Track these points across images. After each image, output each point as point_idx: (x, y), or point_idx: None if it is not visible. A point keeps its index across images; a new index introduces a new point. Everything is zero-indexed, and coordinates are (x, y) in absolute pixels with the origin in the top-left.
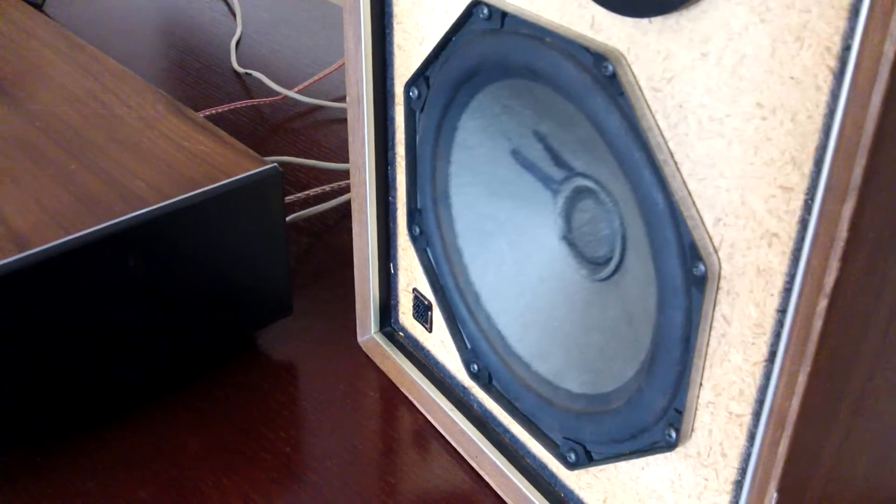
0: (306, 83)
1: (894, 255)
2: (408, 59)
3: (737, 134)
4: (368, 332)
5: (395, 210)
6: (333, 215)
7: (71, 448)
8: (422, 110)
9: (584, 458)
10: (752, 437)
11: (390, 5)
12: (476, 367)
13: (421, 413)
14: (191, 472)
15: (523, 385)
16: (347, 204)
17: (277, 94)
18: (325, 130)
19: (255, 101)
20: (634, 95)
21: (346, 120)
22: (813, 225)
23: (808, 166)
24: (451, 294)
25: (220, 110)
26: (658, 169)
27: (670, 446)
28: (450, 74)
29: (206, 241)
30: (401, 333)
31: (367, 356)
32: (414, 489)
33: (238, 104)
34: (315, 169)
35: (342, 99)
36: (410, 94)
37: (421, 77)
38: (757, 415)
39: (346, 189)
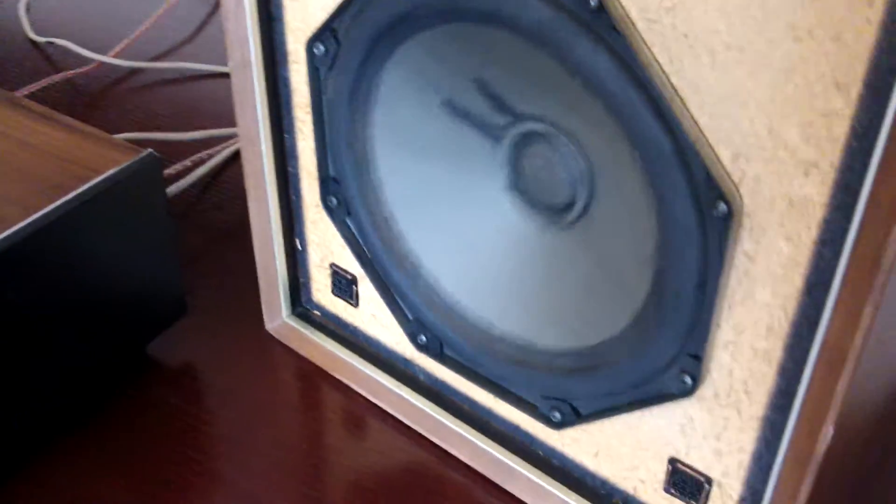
0: (121, 45)
1: None
2: (304, 9)
3: (762, 60)
4: (279, 316)
5: (297, 181)
6: (193, 192)
7: None
8: (331, 68)
9: (571, 416)
10: (786, 372)
11: None
12: (424, 338)
13: (360, 395)
14: None
15: (486, 349)
16: (207, 177)
17: (91, 61)
18: (155, 96)
19: (66, 74)
20: (628, 29)
21: (173, 81)
22: (880, 151)
23: (856, 89)
24: (386, 265)
25: (26, 91)
26: (662, 109)
27: (685, 393)
28: (369, 25)
29: (87, 253)
30: (317, 312)
31: (282, 343)
32: (376, 478)
33: (45, 81)
34: (163, 143)
35: (161, 57)
36: (315, 50)
37: (327, 30)
38: (793, 349)
39: (204, 160)
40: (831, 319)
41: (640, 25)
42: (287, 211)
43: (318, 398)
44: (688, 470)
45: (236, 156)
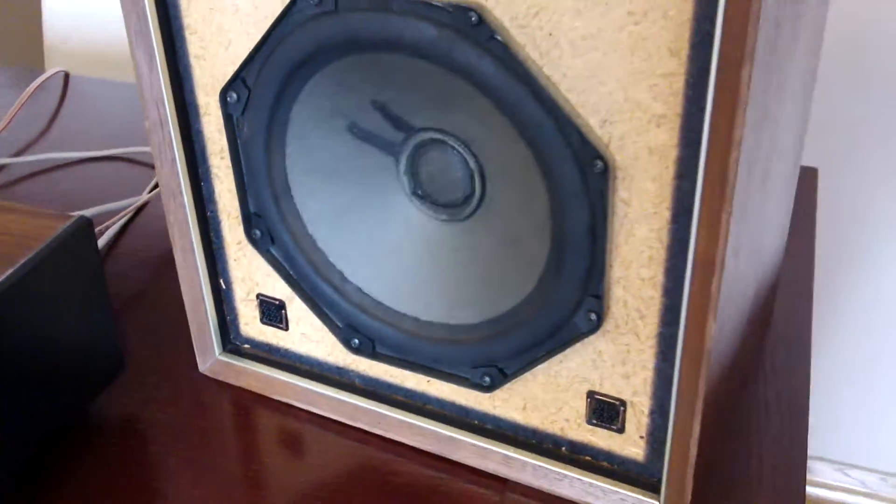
0: None
1: (770, 108)
2: (211, 66)
3: (612, 44)
4: (212, 356)
5: (217, 224)
6: None
7: None
8: (244, 112)
9: (498, 377)
10: (669, 291)
11: (178, 18)
12: (357, 341)
13: (303, 409)
14: None
15: (417, 338)
16: (104, 250)
17: None
18: (27, 189)
19: None
20: (504, 35)
21: (40, 172)
22: (711, 95)
23: (685, 52)
24: (314, 282)
25: None
26: (541, 95)
27: (593, 329)
28: (276, 69)
29: (36, 319)
30: (247, 346)
31: (218, 381)
32: (334, 473)
33: None
34: None
35: (23, 152)
36: (228, 98)
37: (238, 79)
38: (671, 270)
39: (103, 231)
40: (698, 235)
41: (513, 31)
42: (210, 255)
43: (262, 423)
44: (604, 398)
45: (124, 228)
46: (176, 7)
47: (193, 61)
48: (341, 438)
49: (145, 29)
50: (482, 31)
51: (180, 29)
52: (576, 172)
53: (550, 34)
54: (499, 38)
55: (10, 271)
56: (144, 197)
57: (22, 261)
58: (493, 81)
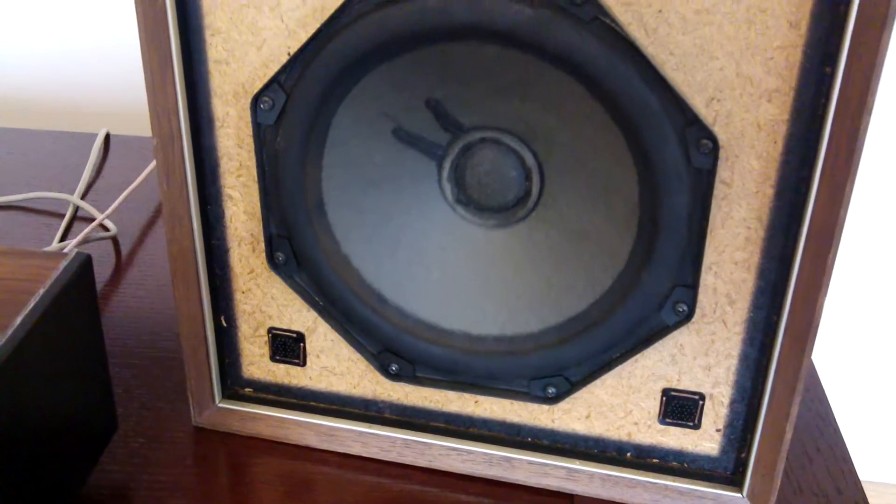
0: None
1: None
2: (236, 71)
3: (727, 17)
4: (210, 404)
5: (223, 253)
6: None
7: None
8: (276, 121)
9: (564, 387)
10: (765, 272)
11: (198, 18)
12: (395, 366)
13: (328, 451)
14: None
15: (467, 355)
16: None
17: None
18: None
19: None
20: (611, 14)
21: None
22: (844, 61)
23: (805, 22)
24: (347, 306)
25: None
26: (648, 75)
27: (682, 322)
28: (325, 69)
29: (43, 369)
30: (248, 389)
31: (218, 432)
32: None
33: None
34: None
35: None
36: (261, 105)
37: (274, 83)
38: (770, 249)
39: None
40: (815, 206)
41: (617, 10)
42: (214, 289)
43: (281, 470)
44: (681, 395)
45: None
46: (196, 5)
47: (212, 67)
48: (377, 478)
49: (162, 30)
50: (586, 11)
51: (199, 30)
52: (679, 154)
53: (660, 11)
54: (606, 16)
55: (19, 319)
56: (57, 246)
57: (28, 307)
58: (596, 63)
